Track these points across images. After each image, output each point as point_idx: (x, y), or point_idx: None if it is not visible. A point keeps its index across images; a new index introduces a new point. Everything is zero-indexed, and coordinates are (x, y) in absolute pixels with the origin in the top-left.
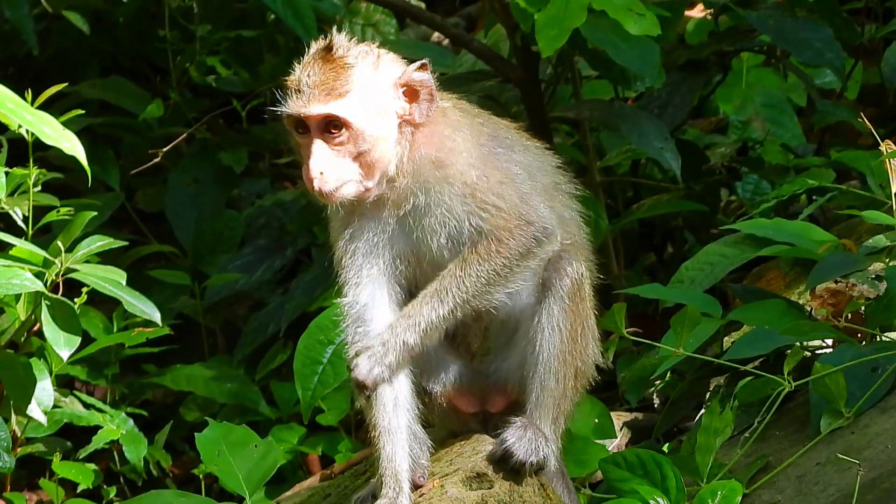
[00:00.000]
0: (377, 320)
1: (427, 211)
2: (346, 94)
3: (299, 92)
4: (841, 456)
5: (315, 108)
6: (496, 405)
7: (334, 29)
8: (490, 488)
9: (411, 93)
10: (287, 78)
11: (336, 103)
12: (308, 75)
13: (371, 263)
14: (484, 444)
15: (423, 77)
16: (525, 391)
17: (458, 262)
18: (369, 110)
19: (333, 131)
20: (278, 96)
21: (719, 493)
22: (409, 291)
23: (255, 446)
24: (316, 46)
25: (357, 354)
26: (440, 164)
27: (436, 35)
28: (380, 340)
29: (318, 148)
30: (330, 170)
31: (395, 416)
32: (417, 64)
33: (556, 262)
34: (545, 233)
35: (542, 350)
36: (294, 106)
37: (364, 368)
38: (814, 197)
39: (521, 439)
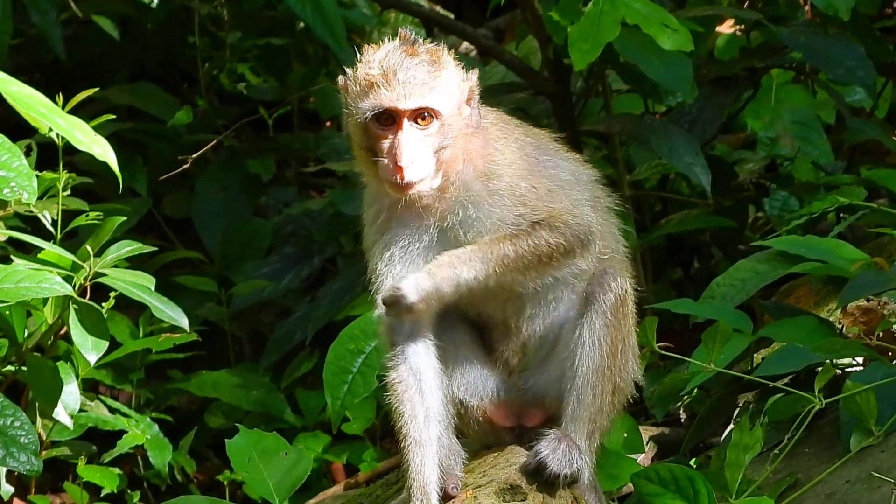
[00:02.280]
0: (410, 330)
1: (477, 223)
2: (438, 87)
3: (390, 84)
4: (875, 474)
5: (413, 100)
6: (533, 420)
7: (406, 29)
8: (523, 500)
9: (469, 98)
10: (355, 73)
11: (433, 95)
12: (398, 68)
13: (406, 273)
14: (518, 456)
15: (477, 84)
16: (562, 405)
17: (508, 235)
18: (453, 106)
19: (422, 122)
20: (344, 96)
21: None
22: None
23: (286, 454)
24: (393, 42)
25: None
26: (491, 177)
27: (463, 46)
28: (411, 282)
29: (411, 138)
30: (419, 160)
31: (426, 428)
32: (474, 71)
33: (601, 276)
34: (589, 238)
35: (582, 364)
36: (388, 98)
37: (410, 294)
38: (843, 215)
39: (555, 451)
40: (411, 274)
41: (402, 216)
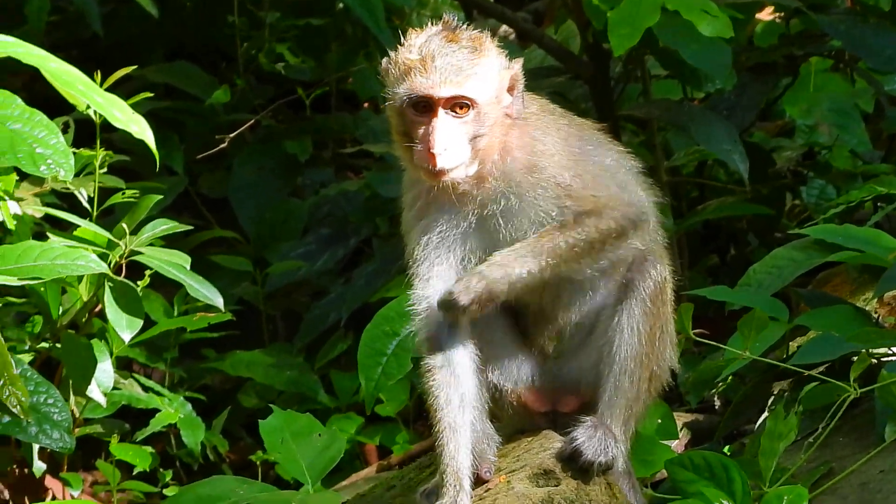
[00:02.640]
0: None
1: (520, 213)
2: (475, 75)
3: (426, 71)
4: None
5: (448, 88)
6: (567, 405)
7: (449, 14)
8: (557, 486)
9: (511, 87)
10: (396, 56)
11: (469, 83)
12: (436, 55)
13: (442, 259)
14: (552, 442)
15: (520, 73)
16: (598, 391)
17: (556, 227)
18: (490, 95)
19: (458, 111)
20: (384, 79)
21: (785, 497)
22: None
23: (319, 435)
24: (435, 27)
25: (422, 333)
26: (533, 169)
27: (503, 29)
28: (464, 284)
29: (445, 125)
30: (453, 147)
31: (461, 413)
32: (519, 60)
33: (641, 263)
34: (642, 217)
35: (620, 351)
36: (423, 86)
37: (462, 298)
38: (880, 204)
39: (590, 439)
40: (464, 276)
41: (440, 202)
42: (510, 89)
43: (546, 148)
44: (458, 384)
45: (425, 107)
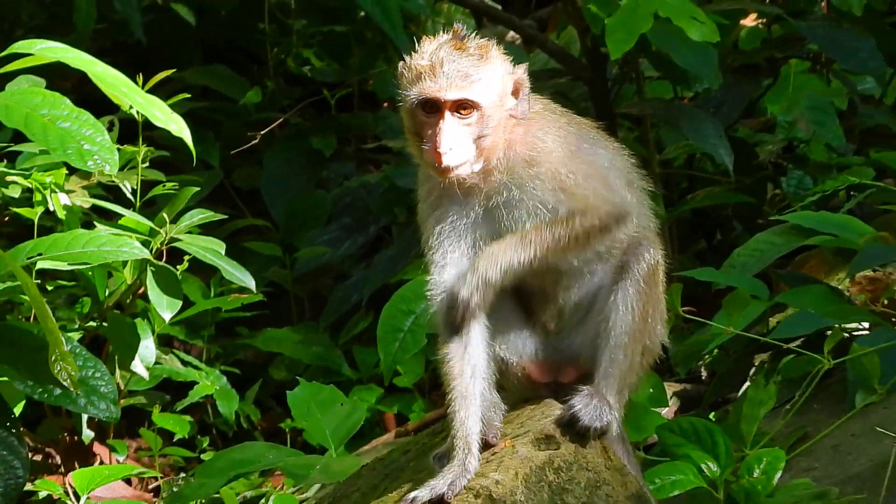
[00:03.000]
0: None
1: (520, 204)
2: (480, 80)
3: (435, 76)
4: (877, 429)
5: (454, 92)
6: (568, 376)
7: (458, 24)
8: (557, 449)
9: (515, 90)
10: (408, 61)
11: (474, 87)
12: (445, 61)
13: (454, 247)
14: (553, 409)
15: (526, 78)
16: (595, 363)
17: (545, 222)
18: (494, 98)
19: (463, 112)
20: (398, 77)
21: (764, 459)
22: None
23: (342, 405)
24: (445, 36)
25: (439, 311)
26: (533, 163)
27: (510, 34)
28: (464, 281)
29: (450, 126)
30: (457, 147)
31: (472, 384)
32: (524, 66)
33: (636, 247)
34: (625, 214)
35: (615, 326)
36: (432, 89)
37: (464, 294)
38: (853, 193)
39: (587, 406)
40: (459, 279)
41: (451, 195)
42: (515, 92)
43: (546, 145)
44: (469, 358)
45: (433, 108)
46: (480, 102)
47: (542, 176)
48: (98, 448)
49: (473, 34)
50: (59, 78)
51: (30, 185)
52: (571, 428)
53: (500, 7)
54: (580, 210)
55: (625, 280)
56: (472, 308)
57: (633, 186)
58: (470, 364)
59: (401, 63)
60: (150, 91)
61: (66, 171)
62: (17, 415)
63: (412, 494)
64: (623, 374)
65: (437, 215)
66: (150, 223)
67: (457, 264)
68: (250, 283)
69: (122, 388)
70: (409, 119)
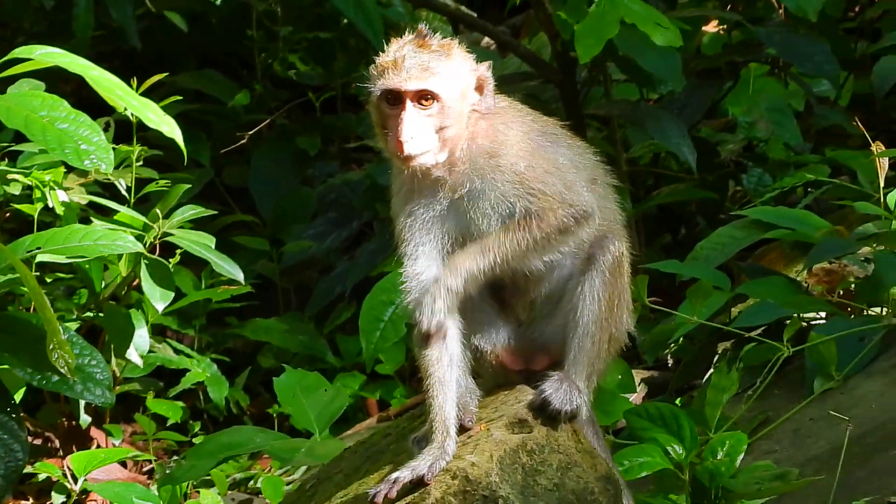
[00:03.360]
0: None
1: (482, 195)
2: (439, 73)
3: (397, 69)
4: (833, 413)
5: (414, 83)
6: (539, 364)
7: (423, 25)
8: (530, 433)
9: (479, 86)
10: (376, 61)
11: (433, 79)
12: (406, 56)
13: (425, 240)
14: (525, 394)
15: (489, 75)
16: (564, 351)
17: (503, 227)
18: (455, 91)
19: (424, 103)
20: (368, 76)
21: (727, 442)
22: None
23: (325, 391)
24: (409, 35)
25: (413, 310)
26: (494, 155)
27: (485, 40)
28: (430, 294)
29: (411, 116)
30: (418, 135)
31: (449, 371)
32: (487, 63)
33: (602, 240)
34: (585, 214)
35: (582, 316)
36: (394, 81)
37: (424, 322)
38: (810, 189)
39: (557, 391)
40: (417, 308)
41: (420, 188)
42: (478, 88)
43: (507, 138)
44: (446, 348)
45: (396, 100)
46: (440, 93)
47: (502, 168)
48: (95, 432)
49: (438, 34)
50: (60, 81)
51: (30, 183)
52: (543, 411)
53: (475, 14)
54: (538, 210)
55: (591, 271)
56: (440, 320)
57: (598, 183)
58: (447, 353)
59: (371, 66)
60: (144, 94)
61: (65, 170)
62: (17, 401)
63: (394, 475)
64: (591, 361)
65: (407, 209)
66: (143, 219)
67: (427, 255)
68: (239, 275)
69: (118, 375)
70: (375, 113)
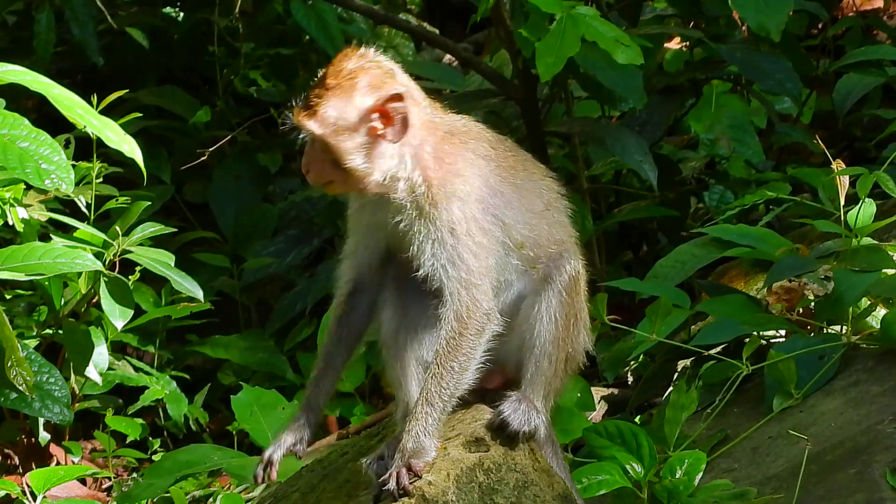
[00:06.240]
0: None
1: (410, 236)
2: (318, 113)
3: (296, 105)
4: (792, 432)
5: (297, 120)
6: (493, 382)
7: (349, 48)
8: (487, 451)
9: (386, 116)
10: None
11: (309, 122)
12: (305, 94)
13: (361, 243)
14: (483, 413)
15: (397, 106)
16: (521, 370)
17: (433, 364)
18: (339, 128)
19: (315, 139)
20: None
21: (686, 460)
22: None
23: (283, 408)
24: (324, 69)
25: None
26: (435, 204)
27: (447, 57)
28: (396, 464)
29: (308, 149)
30: (313, 168)
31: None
32: (392, 93)
33: (558, 259)
34: (491, 312)
35: (539, 335)
36: (290, 117)
37: (405, 484)
38: (771, 207)
39: (515, 411)
40: (394, 478)
41: (364, 210)
42: (384, 119)
43: (455, 189)
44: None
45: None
46: (315, 131)
47: (438, 221)
48: (54, 449)
49: (350, 63)
50: (22, 97)
51: None
52: (502, 432)
53: (437, 31)
54: (453, 323)
55: (547, 291)
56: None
57: (551, 208)
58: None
59: None
60: (105, 110)
61: (25, 187)
62: None
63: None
64: (548, 380)
65: (354, 218)
66: (103, 236)
67: (358, 256)
68: (199, 292)
69: (77, 392)
70: None
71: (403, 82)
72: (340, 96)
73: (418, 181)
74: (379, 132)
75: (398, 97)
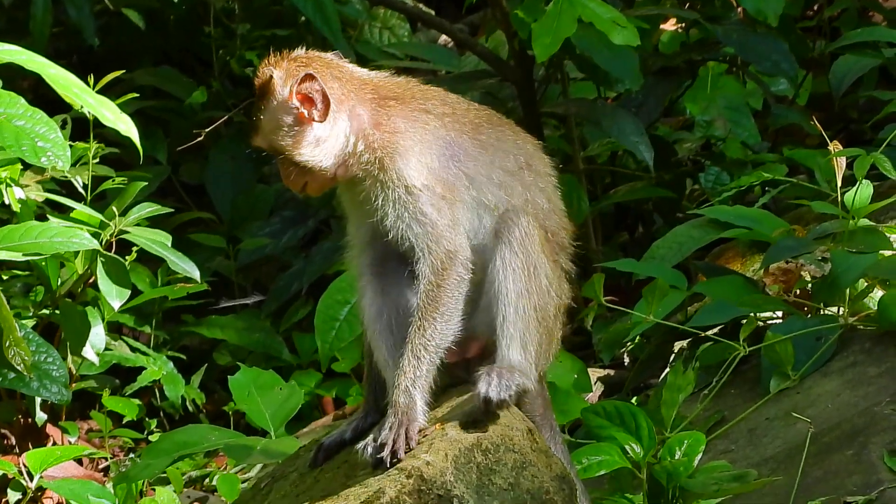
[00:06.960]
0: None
1: (376, 206)
2: (258, 127)
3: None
4: (794, 414)
5: (252, 143)
6: (472, 351)
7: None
8: (484, 432)
9: (307, 99)
10: None
11: (256, 138)
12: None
13: (352, 227)
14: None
15: (310, 85)
16: (493, 331)
17: (415, 318)
18: (276, 130)
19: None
20: None
21: (685, 441)
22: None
23: (280, 389)
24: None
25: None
26: (384, 167)
27: (443, 38)
28: (390, 422)
29: (278, 164)
30: (287, 179)
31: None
32: (302, 75)
33: (504, 216)
34: (466, 260)
35: (501, 288)
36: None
37: (400, 448)
38: (767, 188)
39: (489, 384)
40: (388, 435)
41: (345, 197)
42: (304, 101)
43: (406, 146)
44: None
45: None
46: (262, 144)
47: (395, 181)
48: (51, 430)
49: (276, 64)
50: (18, 78)
51: None
52: (489, 411)
53: (433, 12)
54: (431, 279)
55: (500, 245)
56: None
57: (526, 171)
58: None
59: None
60: (102, 91)
61: (21, 167)
62: None
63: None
64: (521, 331)
65: (344, 206)
66: (100, 216)
67: (358, 240)
68: (195, 273)
69: (74, 372)
70: None
71: (317, 65)
72: (265, 101)
73: (362, 150)
74: (305, 117)
75: (309, 77)
